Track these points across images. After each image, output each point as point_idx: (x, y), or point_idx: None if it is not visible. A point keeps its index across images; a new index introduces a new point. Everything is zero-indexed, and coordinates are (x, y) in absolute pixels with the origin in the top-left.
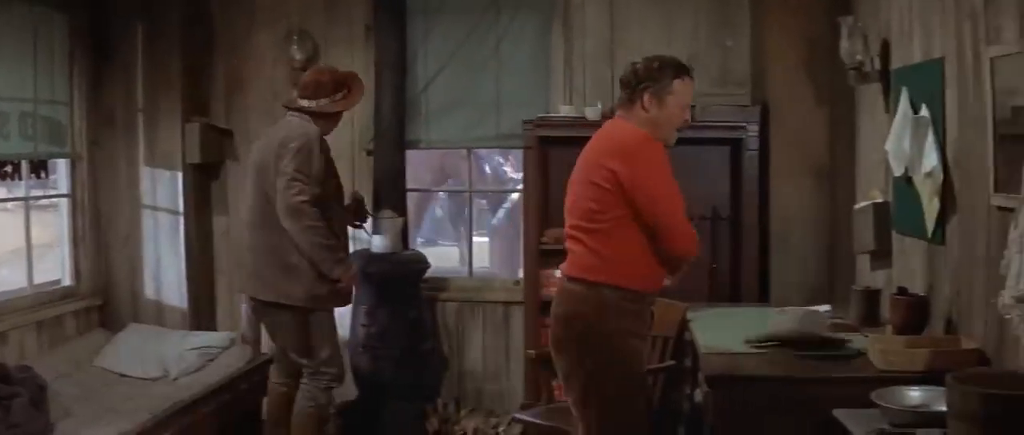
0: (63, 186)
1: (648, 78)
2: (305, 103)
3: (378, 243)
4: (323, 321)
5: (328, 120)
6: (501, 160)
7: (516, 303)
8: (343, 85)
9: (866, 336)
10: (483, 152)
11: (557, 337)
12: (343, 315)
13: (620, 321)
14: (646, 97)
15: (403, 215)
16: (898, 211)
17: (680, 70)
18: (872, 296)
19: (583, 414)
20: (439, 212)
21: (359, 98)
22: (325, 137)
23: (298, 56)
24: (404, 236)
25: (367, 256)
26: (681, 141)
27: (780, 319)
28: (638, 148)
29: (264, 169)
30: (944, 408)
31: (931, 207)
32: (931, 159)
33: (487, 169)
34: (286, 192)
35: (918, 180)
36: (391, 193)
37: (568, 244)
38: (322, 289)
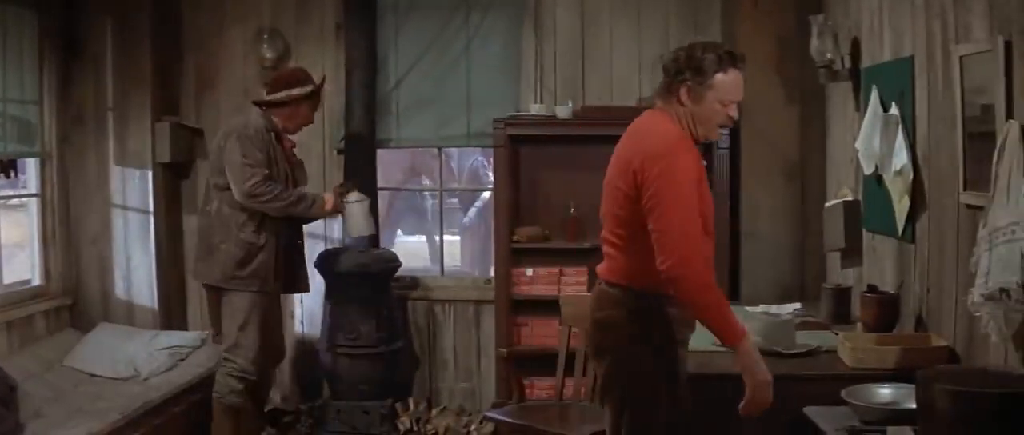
0: (33, 185)
1: (688, 68)
2: (269, 97)
3: (352, 228)
4: (237, 305)
5: (289, 113)
6: (483, 160)
7: (487, 302)
8: (305, 81)
9: (837, 334)
10: (459, 151)
11: (595, 342)
12: (314, 313)
13: (665, 328)
14: (683, 91)
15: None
16: (868, 209)
17: (725, 62)
18: (842, 294)
19: (618, 419)
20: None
21: (320, 91)
22: (291, 134)
23: (268, 54)
24: (375, 223)
25: (338, 253)
26: None
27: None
28: (667, 151)
29: (213, 158)
30: (914, 405)
31: (901, 205)
32: (901, 157)
33: (457, 168)
34: (241, 182)
35: (888, 178)
36: (360, 192)
37: (604, 248)
38: (241, 271)
